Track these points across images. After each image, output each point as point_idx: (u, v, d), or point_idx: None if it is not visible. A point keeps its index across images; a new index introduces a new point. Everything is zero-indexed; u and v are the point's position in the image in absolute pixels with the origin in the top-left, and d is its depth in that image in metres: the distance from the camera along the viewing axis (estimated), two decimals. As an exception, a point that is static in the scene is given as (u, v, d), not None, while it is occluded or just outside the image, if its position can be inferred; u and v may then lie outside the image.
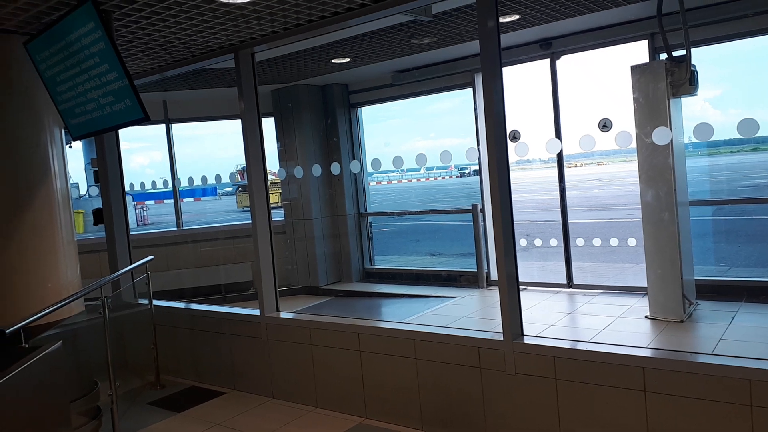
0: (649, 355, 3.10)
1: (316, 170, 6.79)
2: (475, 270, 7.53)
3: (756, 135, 3.26)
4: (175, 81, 6.72)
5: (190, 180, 5.75)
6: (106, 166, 5.56)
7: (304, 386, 4.45)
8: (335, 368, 4.27)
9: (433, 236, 14.60)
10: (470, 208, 7.69)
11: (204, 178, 5.72)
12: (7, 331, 3.06)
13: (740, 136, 3.29)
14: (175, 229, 8.56)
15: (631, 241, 6.58)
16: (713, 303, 5.73)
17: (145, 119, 3.45)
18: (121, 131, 5.73)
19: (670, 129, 5.11)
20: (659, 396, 3.01)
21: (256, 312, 4.73)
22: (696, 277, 5.67)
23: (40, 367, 2.76)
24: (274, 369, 4.63)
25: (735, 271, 7.96)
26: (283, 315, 4.67)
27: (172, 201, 8.65)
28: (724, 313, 5.45)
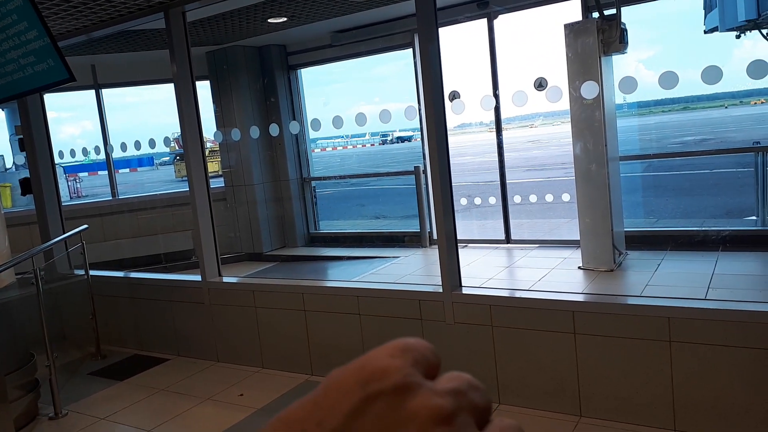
0: (577, 299, 3.27)
1: (254, 132, 6.68)
2: (419, 230, 7.66)
3: (675, 89, 3.41)
4: (103, 43, 6.43)
5: (123, 146, 5.57)
6: (32, 132, 5.31)
7: (249, 348, 4.48)
8: (280, 329, 4.31)
9: (377, 199, 14.68)
10: (412, 170, 7.78)
11: (137, 144, 5.54)
12: (-69, 304, 2.94)
13: (670, 95, 3.45)
14: (111, 198, 8.29)
15: (565, 197, 6.82)
16: (641, 252, 6.05)
17: (70, 79, 3.31)
18: (48, 99, 5.47)
19: (601, 85, 5.28)
20: (588, 337, 3.19)
21: (198, 278, 4.69)
22: (626, 229, 5.96)
23: (-31, 338, 2.69)
24: (219, 333, 4.63)
25: (662, 223, 8.40)
26: (225, 280, 4.65)
27: (105, 172, 8.35)
28: (651, 261, 5.77)
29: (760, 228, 6.44)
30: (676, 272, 5.49)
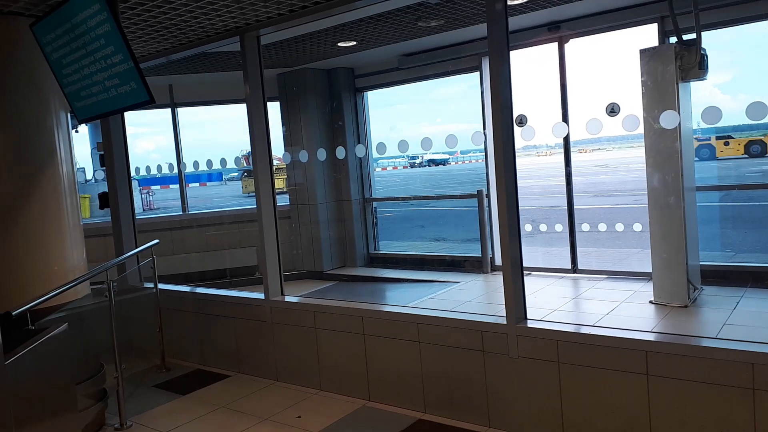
0: (651, 339, 3.10)
1: (321, 154, 6.78)
2: (480, 255, 7.53)
3: (765, 119, 3.23)
4: (181, 64, 6.70)
5: (196, 164, 5.76)
6: (112, 150, 5.57)
7: (308, 369, 4.48)
8: (339, 351, 4.30)
9: (438, 221, 14.57)
10: (475, 193, 7.68)
11: (209, 162, 5.72)
12: (13, 313, 3.09)
13: (750, 121, 3.27)
14: (181, 213, 8.58)
15: (637, 227, 6.55)
16: (718, 288, 5.71)
17: (150, 102, 3.44)
18: (126, 116, 5.73)
19: (679, 113, 5.07)
20: (662, 379, 3.01)
21: (261, 296, 4.75)
22: (701, 263, 5.65)
23: (46, 349, 2.80)
24: (279, 352, 4.66)
25: (740, 257, 7.92)
26: (287, 299, 4.69)
27: (177, 186, 8.67)
28: (729, 298, 5.43)
29: None
30: (757, 311, 5.15)
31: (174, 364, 5.22)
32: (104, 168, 5.65)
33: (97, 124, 6.09)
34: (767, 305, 5.40)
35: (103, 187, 5.81)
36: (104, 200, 5.65)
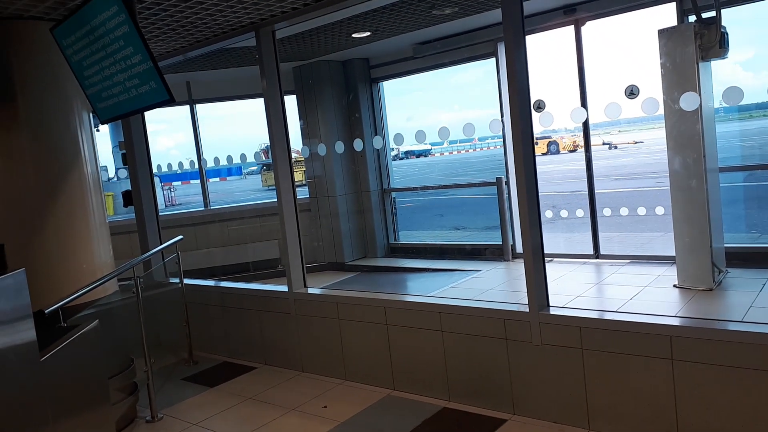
0: (676, 324, 3.08)
1: (339, 147, 6.79)
2: (500, 243, 7.51)
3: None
4: (198, 61, 6.76)
5: (216, 160, 5.83)
6: (134, 148, 5.65)
7: (332, 360, 4.54)
8: (363, 342, 4.34)
9: (457, 210, 14.55)
10: (494, 180, 7.66)
11: (230, 158, 5.78)
12: (46, 311, 3.17)
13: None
14: (203, 208, 8.69)
15: (659, 210, 6.48)
16: (743, 270, 5.64)
17: (170, 101, 3.48)
18: (145, 113, 5.80)
19: (699, 94, 4.99)
20: (688, 364, 3.00)
21: (285, 288, 4.81)
22: (726, 245, 5.58)
23: (78, 345, 2.87)
24: (303, 344, 4.72)
25: (766, 238, 7.79)
26: (310, 290, 4.74)
27: (198, 181, 8.77)
28: (755, 280, 5.36)
29: None
30: (785, 293, 5.08)
31: (201, 357, 5.32)
32: (127, 166, 5.74)
33: (118, 122, 6.16)
34: (795, 286, 5.32)
35: (126, 185, 5.90)
36: (128, 198, 5.74)
